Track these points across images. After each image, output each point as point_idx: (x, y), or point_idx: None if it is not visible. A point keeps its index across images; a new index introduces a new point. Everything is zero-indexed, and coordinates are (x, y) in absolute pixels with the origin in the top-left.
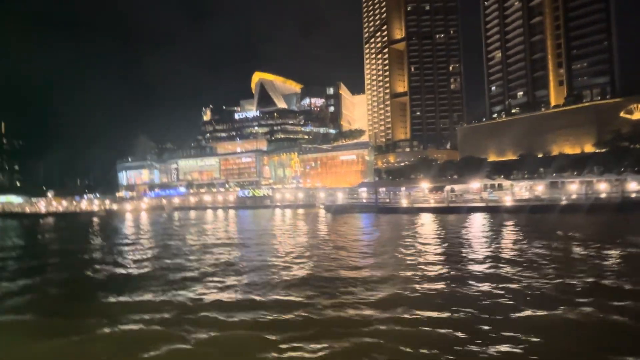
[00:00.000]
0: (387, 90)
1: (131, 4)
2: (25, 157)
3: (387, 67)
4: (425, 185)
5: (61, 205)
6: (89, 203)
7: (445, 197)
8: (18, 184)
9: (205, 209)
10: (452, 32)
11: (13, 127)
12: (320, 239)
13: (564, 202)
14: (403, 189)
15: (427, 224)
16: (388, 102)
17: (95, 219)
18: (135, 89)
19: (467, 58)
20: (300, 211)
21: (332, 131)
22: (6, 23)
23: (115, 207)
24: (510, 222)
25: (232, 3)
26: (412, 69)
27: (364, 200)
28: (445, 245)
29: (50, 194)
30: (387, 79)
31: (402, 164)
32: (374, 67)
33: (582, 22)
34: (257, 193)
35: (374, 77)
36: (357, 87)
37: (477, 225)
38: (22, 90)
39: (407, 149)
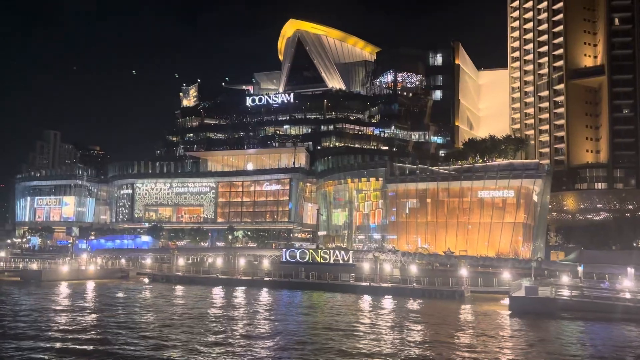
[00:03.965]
0: (559, 63)
1: None
2: None
3: (559, 18)
4: None
5: None
6: None
7: None
8: None
9: (210, 285)
10: None
11: None
12: None
13: None
14: None
15: None
16: (560, 87)
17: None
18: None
19: None
20: (415, 304)
21: (436, 139)
22: None
23: (34, 266)
24: None
25: None
26: (617, 21)
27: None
28: None
29: None
30: (559, 40)
31: (595, 216)
32: (529, 19)
33: None
34: (319, 256)
35: (529, 38)
36: (484, 56)
37: None
38: None
39: (602, 184)
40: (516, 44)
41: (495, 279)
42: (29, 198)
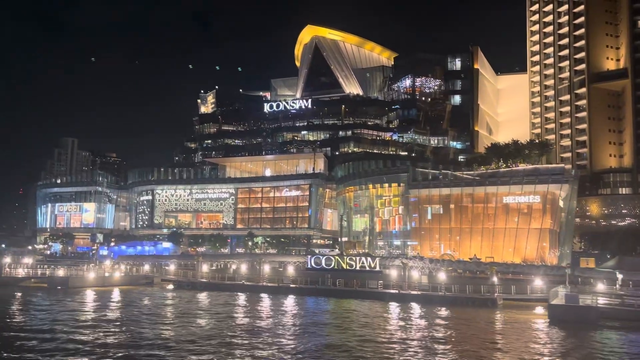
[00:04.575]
0: (581, 67)
1: None
2: None
3: (580, 21)
4: None
5: None
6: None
7: None
8: None
9: (236, 291)
10: None
11: None
12: None
13: None
14: None
15: None
16: (582, 91)
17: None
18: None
19: None
20: (448, 312)
21: (455, 144)
22: None
23: (61, 273)
24: None
25: None
26: None
27: None
28: None
29: None
30: (580, 43)
31: (620, 222)
32: (549, 22)
33: None
34: (345, 263)
35: (549, 42)
36: (503, 61)
37: None
38: None
39: (626, 189)
40: (536, 47)
41: (528, 286)
42: (49, 205)
